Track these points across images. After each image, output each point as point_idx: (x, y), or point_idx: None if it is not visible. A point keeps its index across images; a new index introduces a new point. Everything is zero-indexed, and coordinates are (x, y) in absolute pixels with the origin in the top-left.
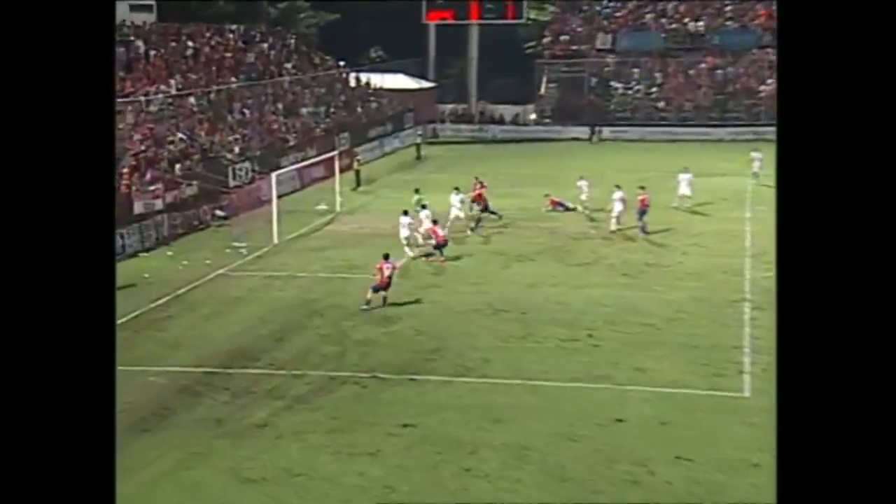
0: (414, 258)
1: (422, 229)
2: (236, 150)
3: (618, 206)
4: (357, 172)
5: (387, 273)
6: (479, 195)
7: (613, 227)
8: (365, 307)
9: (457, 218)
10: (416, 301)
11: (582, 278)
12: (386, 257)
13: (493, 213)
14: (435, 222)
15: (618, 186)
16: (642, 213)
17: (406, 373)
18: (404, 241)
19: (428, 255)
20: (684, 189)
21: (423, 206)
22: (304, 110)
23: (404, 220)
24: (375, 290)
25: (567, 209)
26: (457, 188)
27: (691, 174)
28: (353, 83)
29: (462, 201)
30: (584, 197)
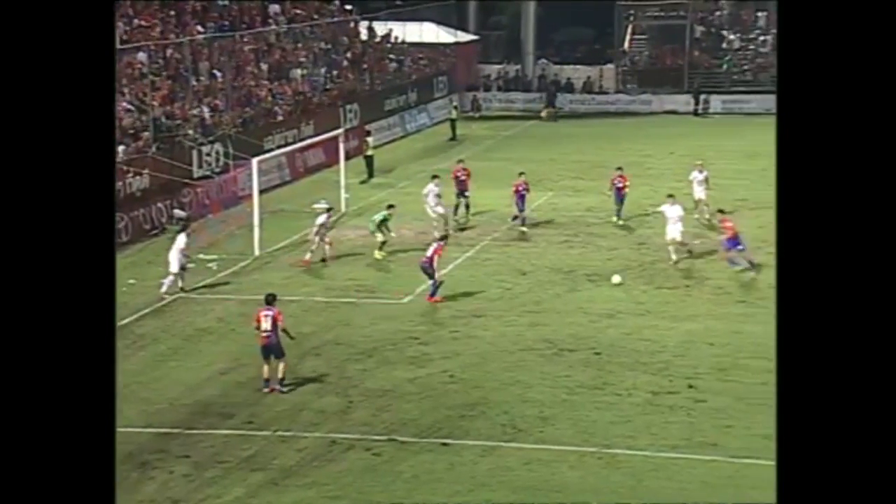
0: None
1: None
2: (203, 126)
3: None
4: (369, 159)
5: (265, 326)
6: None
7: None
8: (266, 388)
9: (438, 217)
10: (451, 335)
11: (680, 306)
12: (269, 301)
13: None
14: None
15: (700, 165)
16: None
17: (436, 435)
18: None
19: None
20: None
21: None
22: (297, 72)
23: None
24: (265, 354)
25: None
26: (436, 176)
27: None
28: (364, 35)
29: (440, 195)
30: (700, 195)
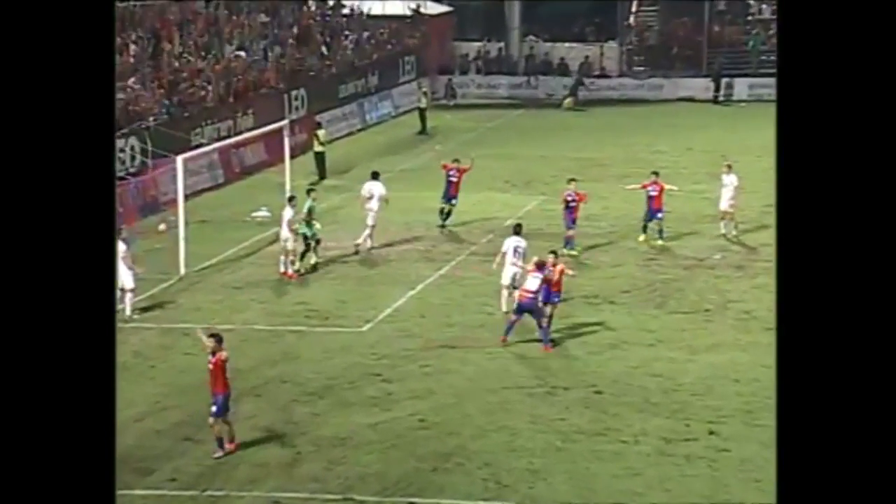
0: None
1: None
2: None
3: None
4: (320, 156)
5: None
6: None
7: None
8: (217, 454)
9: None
10: (422, 371)
11: (699, 335)
12: (218, 339)
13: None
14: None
15: (729, 166)
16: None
17: (403, 493)
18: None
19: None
20: None
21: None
22: (231, 51)
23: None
24: (216, 412)
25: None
26: (375, 173)
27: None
28: (313, 6)
29: (383, 198)
30: (725, 206)
